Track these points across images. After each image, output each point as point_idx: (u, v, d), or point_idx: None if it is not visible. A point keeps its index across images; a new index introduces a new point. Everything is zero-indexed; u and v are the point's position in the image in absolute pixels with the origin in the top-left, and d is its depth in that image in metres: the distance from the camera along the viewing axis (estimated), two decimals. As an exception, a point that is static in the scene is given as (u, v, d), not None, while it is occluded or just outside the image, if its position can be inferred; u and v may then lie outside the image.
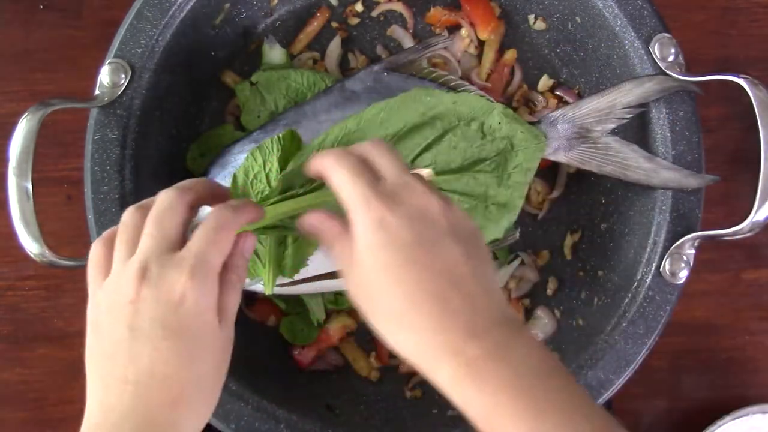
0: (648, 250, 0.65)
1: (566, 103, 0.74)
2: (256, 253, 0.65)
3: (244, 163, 0.65)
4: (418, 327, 0.46)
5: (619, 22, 0.66)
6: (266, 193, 0.64)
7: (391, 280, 0.46)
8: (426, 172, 0.52)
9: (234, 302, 0.51)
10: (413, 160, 0.63)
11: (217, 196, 0.54)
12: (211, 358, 0.49)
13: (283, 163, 0.64)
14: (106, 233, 0.52)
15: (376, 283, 0.47)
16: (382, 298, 0.47)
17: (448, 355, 0.45)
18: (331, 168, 0.50)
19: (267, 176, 0.62)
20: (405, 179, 0.49)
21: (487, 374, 0.44)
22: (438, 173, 0.64)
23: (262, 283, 0.66)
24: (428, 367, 0.46)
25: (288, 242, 0.64)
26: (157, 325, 0.47)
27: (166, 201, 0.50)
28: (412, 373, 0.73)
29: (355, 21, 0.76)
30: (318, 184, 0.62)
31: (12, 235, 0.59)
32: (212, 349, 0.49)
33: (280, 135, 0.63)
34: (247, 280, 0.66)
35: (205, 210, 0.53)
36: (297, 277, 0.66)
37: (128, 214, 0.51)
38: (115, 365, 0.47)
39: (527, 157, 0.65)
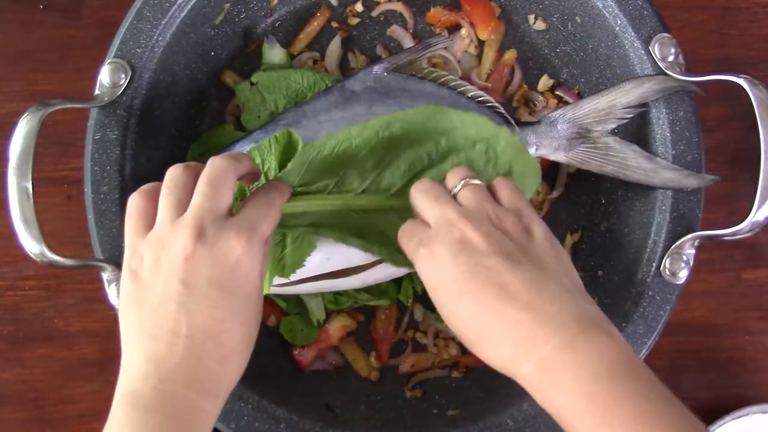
0: (648, 250, 0.65)
1: (566, 103, 0.74)
2: None
3: None
4: (485, 340, 0.49)
5: (619, 22, 0.66)
6: None
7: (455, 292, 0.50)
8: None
9: (265, 271, 0.55)
10: (414, 176, 0.63)
11: (255, 174, 0.57)
12: (255, 319, 0.52)
13: (281, 162, 0.64)
14: (145, 187, 0.54)
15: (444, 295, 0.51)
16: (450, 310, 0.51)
17: (514, 364, 0.48)
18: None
19: (265, 175, 0.63)
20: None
21: (552, 378, 0.46)
22: None
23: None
24: (507, 374, 0.49)
25: (287, 242, 0.64)
26: (214, 285, 0.49)
27: (221, 167, 0.52)
28: (412, 373, 0.73)
29: (355, 21, 0.76)
30: (318, 186, 0.62)
31: (12, 235, 0.59)
32: (257, 310, 0.53)
33: (278, 134, 0.63)
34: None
35: None
36: (296, 277, 0.66)
37: (177, 172, 0.53)
38: (163, 317, 0.49)
39: (525, 186, 0.65)
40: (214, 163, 0.53)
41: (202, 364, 0.49)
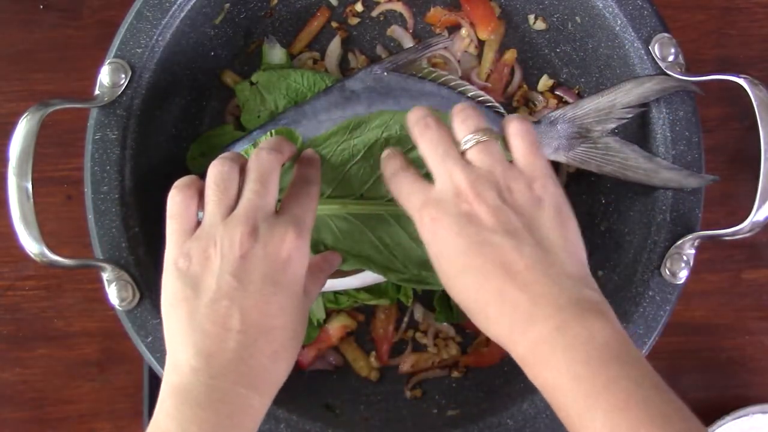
0: (648, 250, 0.65)
1: (566, 103, 0.74)
2: None
3: None
4: (484, 315, 0.49)
5: (619, 22, 0.66)
6: None
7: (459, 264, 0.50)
8: None
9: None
10: None
11: (293, 155, 0.59)
12: (304, 315, 0.53)
13: None
14: (183, 182, 0.54)
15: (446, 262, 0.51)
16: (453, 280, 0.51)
17: (511, 342, 0.48)
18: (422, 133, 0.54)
19: None
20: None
21: (545, 359, 0.46)
22: None
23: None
24: (503, 347, 0.49)
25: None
26: (268, 281, 0.50)
27: (268, 161, 0.54)
28: (412, 373, 0.73)
29: (355, 21, 0.76)
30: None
31: (12, 235, 0.59)
32: (305, 306, 0.54)
33: (273, 131, 0.63)
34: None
35: None
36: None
37: (222, 168, 0.53)
38: (216, 313, 0.49)
39: None
40: (261, 157, 0.54)
41: (253, 360, 0.49)
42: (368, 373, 0.73)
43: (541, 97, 0.75)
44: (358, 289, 0.71)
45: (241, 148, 0.67)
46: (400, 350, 0.74)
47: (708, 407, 0.76)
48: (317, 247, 0.63)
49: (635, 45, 0.65)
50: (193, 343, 0.49)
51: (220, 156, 0.55)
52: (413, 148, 0.63)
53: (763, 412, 0.72)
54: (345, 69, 0.76)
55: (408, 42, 0.75)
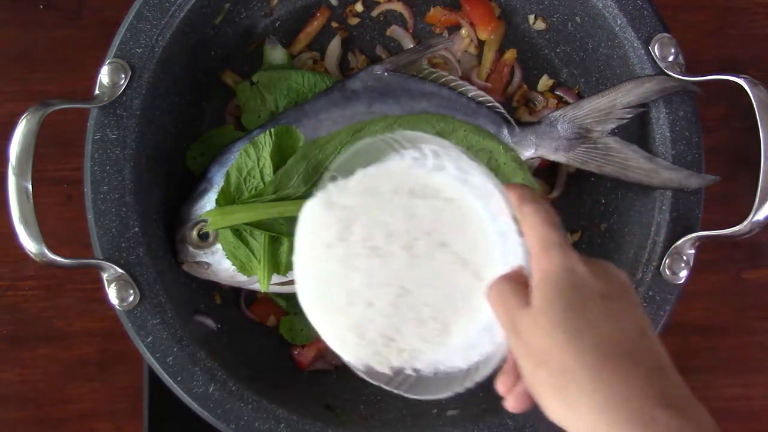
0: (648, 250, 0.65)
1: (566, 103, 0.74)
2: (251, 249, 0.65)
3: (237, 160, 0.65)
4: (605, 386, 0.41)
5: (618, 22, 0.66)
6: (260, 188, 0.64)
7: (572, 329, 0.42)
8: None
9: None
10: None
11: None
12: None
13: (277, 158, 0.64)
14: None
15: (554, 334, 0.42)
16: (555, 351, 0.42)
17: (638, 424, 0.40)
18: (531, 205, 0.47)
19: (261, 172, 0.63)
20: None
21: None
22: None
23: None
24: None
25: (283, 239, 0.64)
26: None
27: None
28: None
29: (355, 21, 0.76)
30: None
31: (12, 235, 0.59)
32: None
33: (272, 130, 0.63)
34: (246, 279, 0.67)
35: None
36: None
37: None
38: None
39: None
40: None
41: None
42: (368, 373, 0.73)
43: (541, 97, 0.75)
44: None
45: (240, 147, 0.67)
46: (400, 350, 0.74)
47: (708, 408, 0.76)
48: None
49: (635, 45, 0.65)
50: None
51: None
52: None
53: None
54: (345, 69, 0.76)
55: (408, 42, 0.75)
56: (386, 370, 0.50)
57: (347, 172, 0.50)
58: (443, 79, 0.69)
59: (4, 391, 0.75)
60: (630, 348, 0.42)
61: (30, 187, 0.58)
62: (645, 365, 0.42)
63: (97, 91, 0.63)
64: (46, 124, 0.59)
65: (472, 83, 0.72)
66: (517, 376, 0.46)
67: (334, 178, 0.50)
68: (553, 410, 0.43)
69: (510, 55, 0.75)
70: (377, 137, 0.49)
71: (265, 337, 0.73)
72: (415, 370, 0.50)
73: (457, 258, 0.48)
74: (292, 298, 0.72)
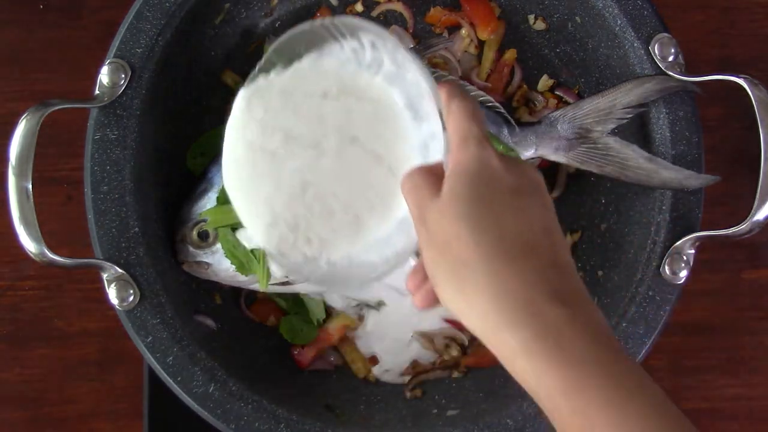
0: (648, 250, 0.65)
1: (566, 103, 0.74)
2: (250, 249, 0.65)
3: None
4: (498, 279, 0.42)
5: (618, 22, 0.66)
6: None
7: (475, 221, 0.43)
8: None
9: None
10: None
11: None
12: None
13: None
14: None
15: (456, 224, 0.43)
16: (455, 242, 0.43)
17: (526, 315, 0.41)
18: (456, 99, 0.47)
19: None
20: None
21: (564, 343, 0.41)
22: None
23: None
24: (494, 329, 0.42)
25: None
26: None
27: None
28: (412, 374, 0.73)
29: (355, 21, 0.76)
30: None
31: (12, 235, 0.59)
32: None
33: None
34: (246, 279, 0.67)
35: None
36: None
37: None
38: None
39: None
40: None
41: None
42: (366, 374, 0.73)
43: (541, 97, 0.75)
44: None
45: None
46: (400, 350, 0.74)
47: (707, 407, 0.76)
48: None
49: (635, 45, 0.65)
50: None
51: None
52: None
53: None
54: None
55: (408, 42, 0.75)
56: (298, 257, 0.51)
57: (284, 57, 0.52)
58: (443, 80, 0.69)
59: (4, 391, 0.75)
60: (530, 244, 0.43)
61: (30, 187, 0.58)
62: (541, 261, 0.43)
63: (97, 91, 0.63)
64: (46, 124, 0.59)
65: (472, 83, 0.72)
66: (425, 274, 0.47)
67: (265, 70, 0.52)
68: (450, 300, 0.44)
69: (510, 55, 0.75)
70: (316, 22, 0.49)
71: (265, 337, 0.73)
72: (329, 263, 0.52)
73: (370, 154, 0.50)
74: (292, 299, 0.72)
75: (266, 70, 0.52)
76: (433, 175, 0.46)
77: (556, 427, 0.42)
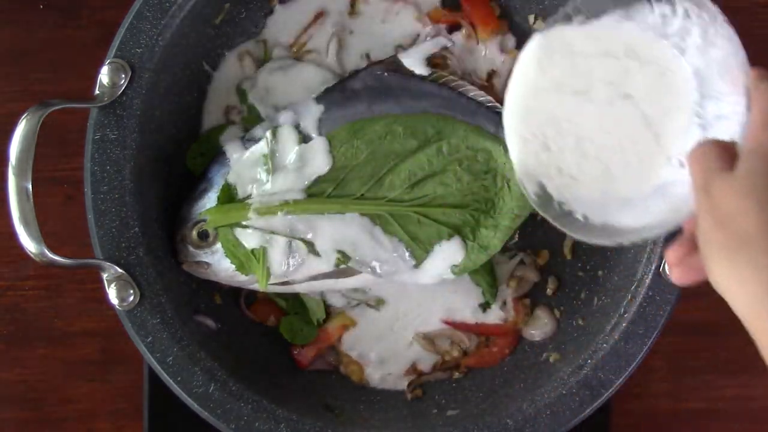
0: (648, 250, 0.65)
1: (566, 103, 0.74)
2: (250, 249, 0.65)
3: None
4: None
5: (619, 22, 0.66)
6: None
7: (765, 199, 0.42)
8: None
9: None
10: (414, 184, 0.64)
11: None
12: None
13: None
14: None
15: (745, 200, 0.42)
16: (740, 217, 0.42)
17: None
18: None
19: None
20: None
21: None
22: (438, 205, 0.64)
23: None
24: (764, 315, 0.44)
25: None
26: None
27: None
28: (412, 374, 0.73)
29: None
30: (317, 189, 0.62)
31: (12, 235, 0.59)
32: None
33: (272, 130, 0.63)
34: (246, 278, 0.67)
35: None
36: (296, 276, 0.66)
37: None
38: None
39: (520, 204, 0.65)
40: None
41: None
42: (360, 378, 0.73)
43: (541, 97, 0.75)
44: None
45: (240, 147, 0.68)
46: (400, 350, 0.74)
47: (707, 407, 0.76)
48: (313, 248, 0.64)
49: (635, 45, 0.65)
50: None
51: None
52: (417, 150, 0.64)
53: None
54: (345, 69, 0.76)
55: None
56: (554, 193, 0.54)
57: (591, 9, 0.52)
58: (443, 80, 0.69)
59: (4, 391, 0.75)
60: None
61: (30, 187, 0.58)
62: None
63: (97, 91, 0.63)
64: (46, 124, 0.59)
65: (472, 83, 0.72)
66: (691, 248, 0.46)
67: (568, 17, 0.53)
68: (719, 273, 0.44)
69: (510, 55, 0.75)
70: None
71: (265, 337, 0.73)
72: (584, 217, 0.53)
73: (640, 115, 0.51)
74: (292, 299, 0.72)
75: (568, 18, 0.52)
76: (726, 151, 0.45)
77: None
